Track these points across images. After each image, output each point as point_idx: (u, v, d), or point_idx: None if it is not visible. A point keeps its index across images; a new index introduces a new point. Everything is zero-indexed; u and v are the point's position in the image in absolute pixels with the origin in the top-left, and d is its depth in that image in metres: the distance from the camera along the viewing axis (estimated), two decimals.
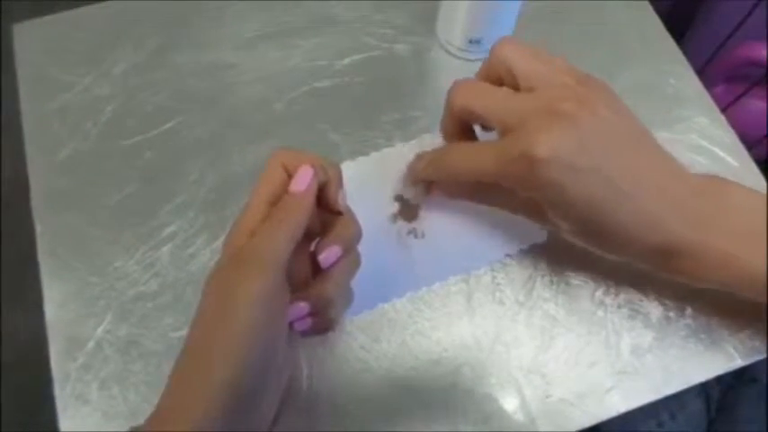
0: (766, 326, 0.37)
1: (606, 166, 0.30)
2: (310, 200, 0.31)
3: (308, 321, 0.32)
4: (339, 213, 0.33)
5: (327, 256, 0.32)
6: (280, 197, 0.31)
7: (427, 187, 0.40)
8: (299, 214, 0.31)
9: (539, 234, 0.40)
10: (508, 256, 0.40)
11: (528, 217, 0.35)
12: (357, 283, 0.34)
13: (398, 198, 0.41)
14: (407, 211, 0.41)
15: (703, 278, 0.33)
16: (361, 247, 0.34)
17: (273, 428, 0.33)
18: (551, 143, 0.29)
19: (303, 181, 0.31)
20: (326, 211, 0.33)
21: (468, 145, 0.36)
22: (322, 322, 0.33)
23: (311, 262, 0.33)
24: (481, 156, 0.33)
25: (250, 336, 0.28)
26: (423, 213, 0.41)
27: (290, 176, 0.32)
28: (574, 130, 0.30)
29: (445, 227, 0.40)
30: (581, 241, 0.34)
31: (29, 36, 0.48)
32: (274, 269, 0.29)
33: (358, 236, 0.33)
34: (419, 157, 0.39)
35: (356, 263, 0.34)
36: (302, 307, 0.31)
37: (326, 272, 0.32)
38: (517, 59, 0.33)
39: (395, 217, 0.40)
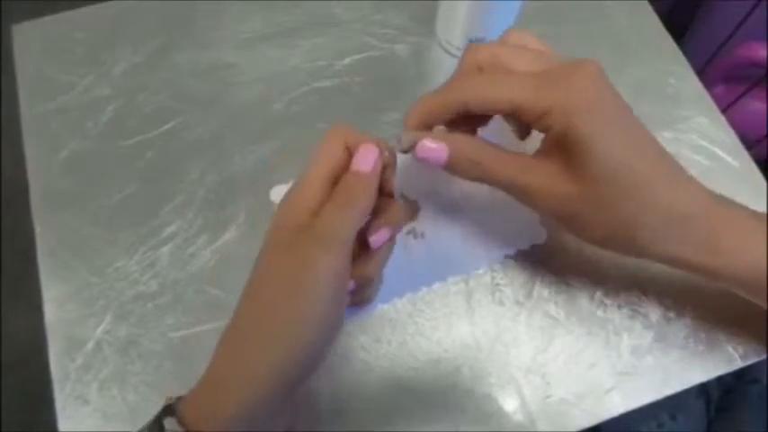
0: (766, 326, 0.37)
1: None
2: (376, 181, 0.31)
3: (348, 299, 0.32)
4: (391, 196, 0.33)
5: (378, 238, 0.32)
6: (339, 174, 0.31)
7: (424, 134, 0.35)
8: (366, 196, 0.30)
9: (538, 235, 0.40)
10: (508, 256, 0.40)
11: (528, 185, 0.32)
12: None
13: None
14: (407, 210, 0.41)
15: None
16: None
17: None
18: (592, 69, 0.30)
19: (369, 161, 0.31)
20: (379, 193, 0.33)
21: (493, 73, 0.32)
22: (360, 300, 0.34)
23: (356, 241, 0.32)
24: (512, 80, 0.31)
25: (323, 312, 0.28)
26: (422, 213, 0.41)
27: (350, 154, 0.31)
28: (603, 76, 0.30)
29: (445, 227, 0.40)
30: (589, 203, 0.31)
31: (28, 36, 0.48)
32: (346, 249, 0.29)
33: (403, 222, 0.33)
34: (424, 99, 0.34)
35: (392, 248, 0.34)
36: (348, 285, 0.31)
37: (372, 252, 0.32)
38: (512, 59, 0.32)
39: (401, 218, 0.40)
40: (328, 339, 0.30)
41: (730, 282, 0.32)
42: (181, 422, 0.28)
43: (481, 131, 0.35)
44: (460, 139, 0.32)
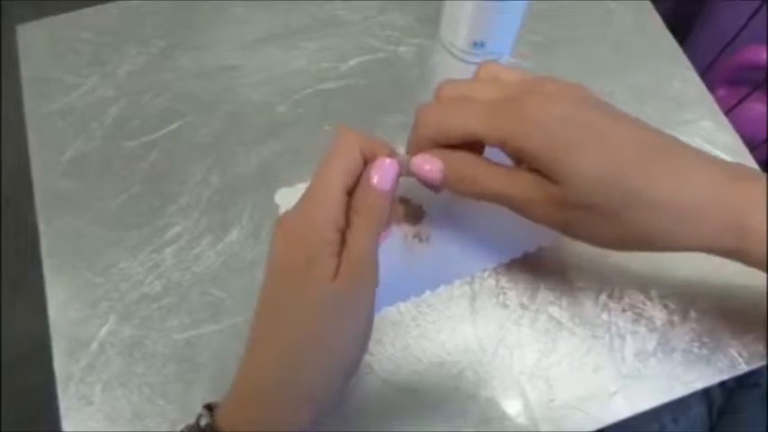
0: (767, 331, 0.37)
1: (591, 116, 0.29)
2: (391, 197, 0.31)
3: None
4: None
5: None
6: (355, 184, 0.31)
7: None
8: (386, 213, 0.31)
9: (545, 237, 0.39)
10: (514, 259, 0.39)
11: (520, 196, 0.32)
12: None
13: (403, 201, 0.41)
14: (412, 214, 0.41)
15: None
16: None
17: None
18: (544, 99, 0.29)
19: (389, 178, 0.30)
20: None
21: (451, 104, 0.33)
22: None
23: None
24: (466, 110, 0.31)
25: (367, 329, 0.31)
26: (427, 217, 0.41)
27: (364, 162, 0.31)
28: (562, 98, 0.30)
29: (450, 231, 0.40)
30: (564, 209, 0.30)
31: (32, 37, 0.48)
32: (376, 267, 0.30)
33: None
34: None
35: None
36: None
37: None
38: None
39: (399, 220, 0.40)
40: (365, 350, 0.32)
41: (761, 262, 0.29)
42: None
43: (488, 151, 0.35)
44: (456, 156, 0.32)
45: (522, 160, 0.31)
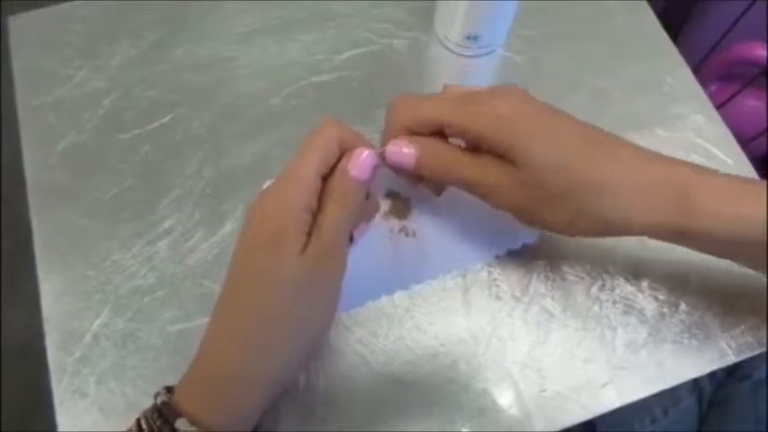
0: (767, 320, 0.38)
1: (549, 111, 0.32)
2: (366, 188, 0.32)
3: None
4: (367, 197, 0.34)
5: (358, 232, 0.36)
6: (330, 170, 0.32)
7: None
8: (359, 200, 0.32)
9: (529, 235, 0.40)
10: (498, 256, 0.40)
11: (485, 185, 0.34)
12: (347, 279, 0.33)
13: (390, 194, 0.41)
14: (399, 208, 0.41)
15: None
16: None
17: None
18: (505, 95, 0.32)
19: (367, 169, 0.32)
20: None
21: (422, 96, 0.36)
22: None
23: None
24: (437, 100, 0.34)
25: (334, 311, 0.33)
26: (415, 212, 0.41)
27: (341, 151, 0.32)
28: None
29: (437, 226, 0.40)
30: (528, 196, 0.32)
31: (24, 28, 0.47)
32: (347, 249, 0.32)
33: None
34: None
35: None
36: None
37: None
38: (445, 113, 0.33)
39: (386, 214, 0.41)
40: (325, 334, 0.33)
41: (708, 242, 0.32)
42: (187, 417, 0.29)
43: None
44: (429, 141, 0.34)
45: (478, 146, 0.33)
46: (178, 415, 0.29)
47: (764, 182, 0.32)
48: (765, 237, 0.30)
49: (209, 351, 0.31)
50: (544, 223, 0.33)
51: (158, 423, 0.29)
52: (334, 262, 0.31)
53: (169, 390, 0.31)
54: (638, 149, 0.32)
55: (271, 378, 0.31)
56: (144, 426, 0.29)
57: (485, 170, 0.32)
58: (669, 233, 0.31)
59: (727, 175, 0.32)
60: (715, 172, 0.32)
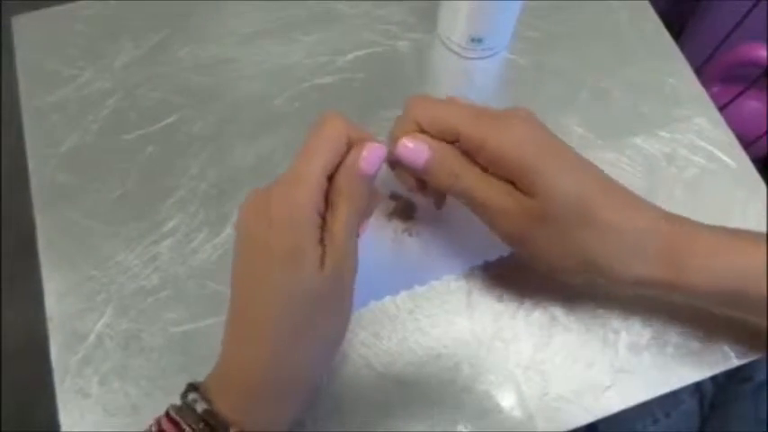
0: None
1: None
2: (371, 183, 0.32)
3: None
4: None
5: (363, 228, 0.34)
6: (336, 167, 0.30)
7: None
8: (366, 197, 0.31)
9: None
10: (501, 258, 0.40)
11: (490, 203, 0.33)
12: None
13: (394, 196, 0.41)
14: (404, 210, 0.41)
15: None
16: None
17: None
18: (522, 113, 0.32)
19: (375, 164, 0.31)
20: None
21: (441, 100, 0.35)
22: None
23: None
24: (455, 107, 0.33)
25: (350, 311, 0.32)
26: (419, 213, 0.41)
27: (348, 147, 0.31)
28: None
29: (440, 227, 0.40)
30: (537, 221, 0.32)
31: (28, 29, 0.48)
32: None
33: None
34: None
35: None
36: None
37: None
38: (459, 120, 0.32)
39: (390, 215, 0.41)
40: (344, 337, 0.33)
41: (694, 295, 0.33)
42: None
43: None
44: (442, 145, 0.32)
45: (492, 167, 0.32)
46: (227, 425, 0.28)
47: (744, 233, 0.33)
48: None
49: (237, 362, 0.30)
50: (539, 256, 0.33)
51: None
52: (349, 265, 0.30)
53: (195, 391, 0.30)
54: (638, 197, 0.33)
55: (307, 387, 0.32)
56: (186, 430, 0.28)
57: (491, 190, 0.31)
58: (657, 285, 0.32)
59: (713, 228, 0.32)
60: (698, 224, 0.32)
